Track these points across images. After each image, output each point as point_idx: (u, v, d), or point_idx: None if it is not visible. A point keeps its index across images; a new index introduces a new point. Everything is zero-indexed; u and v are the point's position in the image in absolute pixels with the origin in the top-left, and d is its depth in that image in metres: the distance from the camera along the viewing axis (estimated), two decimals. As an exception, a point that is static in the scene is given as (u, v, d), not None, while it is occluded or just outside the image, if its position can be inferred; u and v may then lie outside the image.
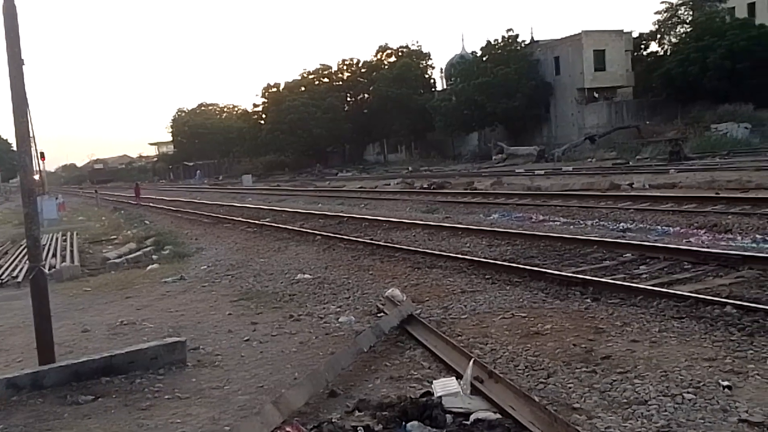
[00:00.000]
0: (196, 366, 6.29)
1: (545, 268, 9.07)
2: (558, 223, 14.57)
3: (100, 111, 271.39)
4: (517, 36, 57.68)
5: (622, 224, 13.36)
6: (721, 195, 15.64)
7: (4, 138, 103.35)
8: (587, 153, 44.41)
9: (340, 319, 7.61)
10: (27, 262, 11.46)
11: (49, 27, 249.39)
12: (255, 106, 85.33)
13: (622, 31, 54.17)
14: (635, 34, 55.90)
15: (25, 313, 8.57)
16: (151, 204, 35.91)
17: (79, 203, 47.85)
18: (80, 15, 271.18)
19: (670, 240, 11.07)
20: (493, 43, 58.14)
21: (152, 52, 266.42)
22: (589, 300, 7.41)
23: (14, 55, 5.84)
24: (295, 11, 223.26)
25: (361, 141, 78.19)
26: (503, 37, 57.73)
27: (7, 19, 5.78)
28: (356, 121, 73.51)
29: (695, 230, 11.92)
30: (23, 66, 5.90)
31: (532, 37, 59.42)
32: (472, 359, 5.24)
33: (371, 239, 13.95)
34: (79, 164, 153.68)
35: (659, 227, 12.61)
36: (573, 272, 8.68)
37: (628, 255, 9.69)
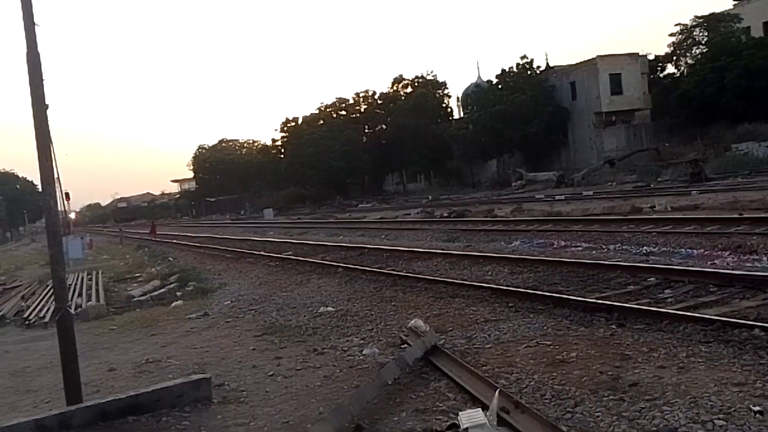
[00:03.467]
0: (222, 402, 6.29)
1: (569, 295, 8.98)
2: (580, 248, 14.44)
3: (123, 150, 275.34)
4: (531, 62, 57.93)
5: (645, 248, 13.22)
6: (744, 215, 15.45)
7: (30, 180, 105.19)
8: (607, 177, 44.15)
9: (363, 352, 7.58)
10: (53, 302, 11.60)
11: (72, 67, 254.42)
12: (274, 141, 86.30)
13: (637, 54, 54.19)
14: (651, 57, 55.83)
15: (52, 353, 8.64)
16: (174, 241, 36.19)
17: (103, 242, 48.40)
18: (101, 58, 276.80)
19: (694, 263, 10.94)
20: (508, 70, 58.40)
21: (173, 90, 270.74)
22: (614, 326, 7.33)
23: (38, 99, 5.97)
24: (311, 46, 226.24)
25: (379, 171, 78.47)
26: (518, 63, 58.00)
27: (31, 66, 5.93)
28: (374, 152, 73.85)
29: (719, 252, 11.76)
30: (47, 109, 6.03)
31: (547, 63, 59.71)
32: (498, 389, 5.19)
33: (393, 270, 13.91)
34: (103, 203, 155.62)
35: (683, 250, 12.46)
36: (597, 298, 8.59)
37: (652, 279, 9.58)
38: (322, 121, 78.32)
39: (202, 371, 7.28)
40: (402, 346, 7.52)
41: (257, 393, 6.53)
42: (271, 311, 11.22)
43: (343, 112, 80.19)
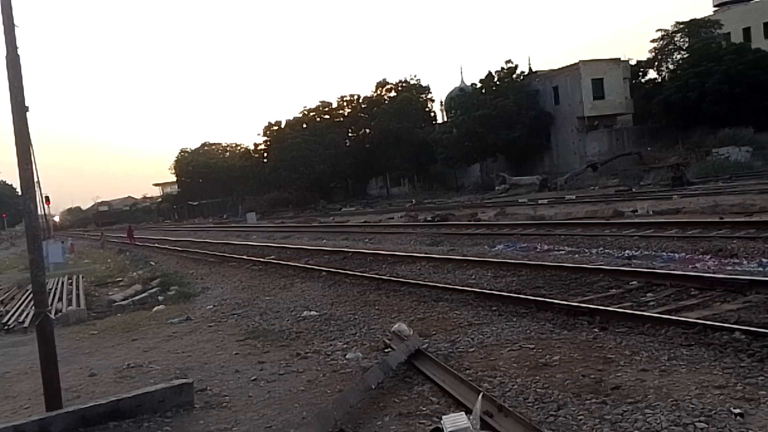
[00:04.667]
0: (204, 408, 6.25)
1: (552, 299, 9.03)
2: (563, 252, 14.51)
3: (105, 153, 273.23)
4: (516, 67, 58.15)
5: (627, 251, 13.31)
6: (725, 219, 15.59)
7: (9, 183, 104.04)
8: (589, 181, 44.44)
9: (347, 356, 7.57)
10: (33, 307, 11.48)
11: (52, 68, 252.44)
12: (257, 145, 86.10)
13: (619, 59, 54.59)
14: (633, 62, 56.28)
15: (32, 358, 8.55)
16: (156, 245, 35.95)
17: (84, 246, 47.97)
18: (82, 59, 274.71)
19: (675, 266, 11.02)
20: (492, 74, 58.62)
21: (155, 92, 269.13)
22: (596, 330, 7.37)
23: (18, 103, 5.92)
24: (295, 50, 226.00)
25: (363, 175, 78.48)
26: (502, 68, 58.21)
27: (10, 69, 5.87)
28: (358, 156, 73.87)
29: (701, 256, 11.87)
30: (27, 112, 5.97)
31: (530, 68, 59.93)
32: (481, 393, 5.20)
33: (376, 274, 13.91)
34: (84, 207, 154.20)
35: (664, 254, 12.56)
36: (580, 302, 8.64)
37: (634, 282, 9.65)
38: (305, 125, 78.19)
39: (184, 376, 7.24)
40: (386, 350, 7.52)
41: (240, 398, 6.50)
42: (254, 315, 11.18)
43: (327, 116, 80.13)
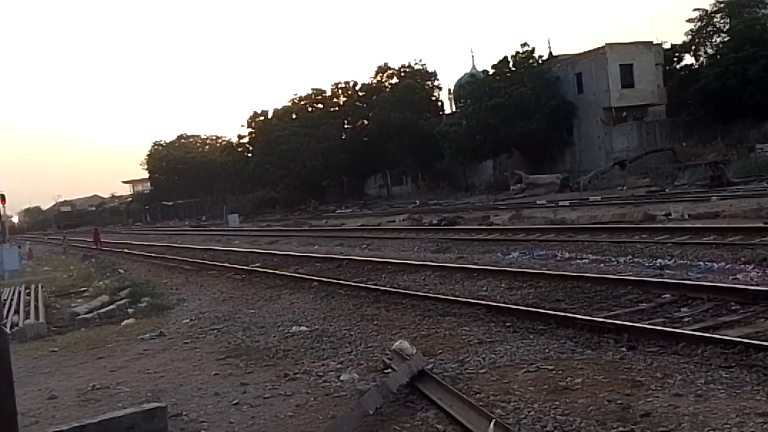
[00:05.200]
0: (179, 435, 6.26)
1: (573, 313, 9.03)
2: (586, 260, 14.52)
3: (67, 146, 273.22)
4: (533, 51, 58.26)
5: (659, 261, 13.31)
6: (770, 224, 15.61)
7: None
8: (617, 180, 44.45)
9: (341, 377, 7.57)
10: (-14, 320, 11.48)
11: (6, 44, 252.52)
12: (240, 137, 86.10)
13: (651, 42, 54.62)
14: (666, 46, 56.38)
15: (-17, 378, 8.53)
16: (126, 250, 35.96)
17: (44, 251, 47.99)
18: (39, 38, 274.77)
19: (714, 277, 11.02)
20: (506, 59, 58.66)
21: (123, 78, 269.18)
22: (624, 349, 7.36)
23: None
24: (284, 31, 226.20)
25: (360, 173, 78.53)
26: (518, 52, 58.29)
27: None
28: (355, 151, 73.92)
29: (742, 266, 11.85)
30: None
31: (551, 52, 60.00)
32: (493, 420, 5.20)
33: (375, 284, 13.92)
34: (44, 207, 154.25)
35: (701, 263, 12.55)
36: (605, 317, 8.63)
37: (667, 296, 9.65)
38: (295, 116, 78.36)
39: (157, 399, 7.23)
40: (385, 371, 7.52)
41: (220, 424, 6.50)
42: (236, 331, 11.17)
43: (320, 105, 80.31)
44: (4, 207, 32.93)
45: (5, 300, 17.90)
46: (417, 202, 53.85)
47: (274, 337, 10.32)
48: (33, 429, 6.54)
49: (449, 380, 6.87)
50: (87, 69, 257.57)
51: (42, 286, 21.47)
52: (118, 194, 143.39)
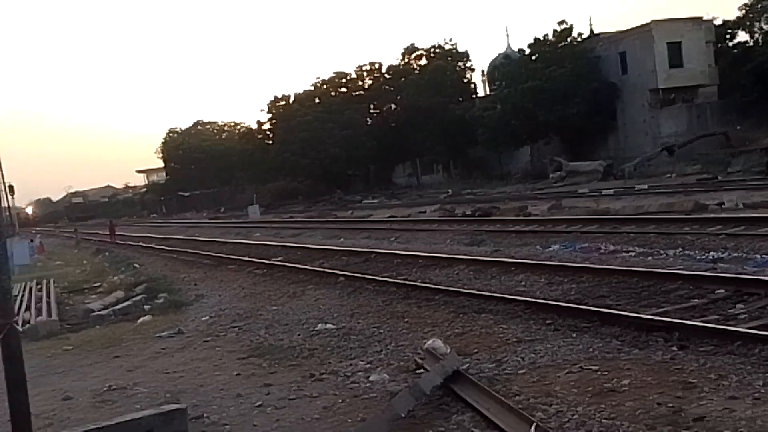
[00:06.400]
0: (200, 439, 6.32)
1: (619, 310, 8.97)
2: (632, 254, 14.41)
3: (78, 134, 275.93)
4: (572, 29, 57.75)
5: (711, 253, 13.17)
6: (832, 214, 15.39)
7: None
8: (664, 167, 44.03)
9: (370, 378, 7.60)
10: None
11: (13, 35, 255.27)
12: (260, 123, 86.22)
13: (701, 18, 53.97)
14: (718, 22, 55.67)
15: (-5, 378, 8.67)
16: (141, 243, 36.32)
17: (55, 244, 48.62)
18: (50, 23, 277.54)
19: (772, 271, 10.90)
20: (543, 38, 58.27)
21: (138, 63, 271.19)
22: (674, 348, 7.32)
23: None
24: (304, 10, 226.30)
25: (388, 161, 78.44)
26: (555, 30, 57.84)
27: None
28: (381, 138, 73.81)
29: (803, 259, 11.73)
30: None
31: (592, 30, 59.54)
32: (534, 424, 5.19)
33: (405, 279, 13.94)
34: (55, 198, 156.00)
35: (758, 256, 12.41)
36: (654, 314, 8.57)
37: (720, 291, 9.55)
38: (317, 100, 78.35)
39: (176, 401, 7.30)
40: (417, 372, 7.53)
41: (242, 427, 6.55)
42: (258, 329, 11.24)
43: (344, 89, 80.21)
44: (13, 198, 33.35)
45: (15, 296, 18.14)
46: (449, 191, 53.67)
47: (299, 335, 10.36)
48: (47, 431, 6.62)
49: (486, 381, 6.86)
50: (99, 54, 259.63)
51: (54, 282, 21.76)
52: (131, 184, 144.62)
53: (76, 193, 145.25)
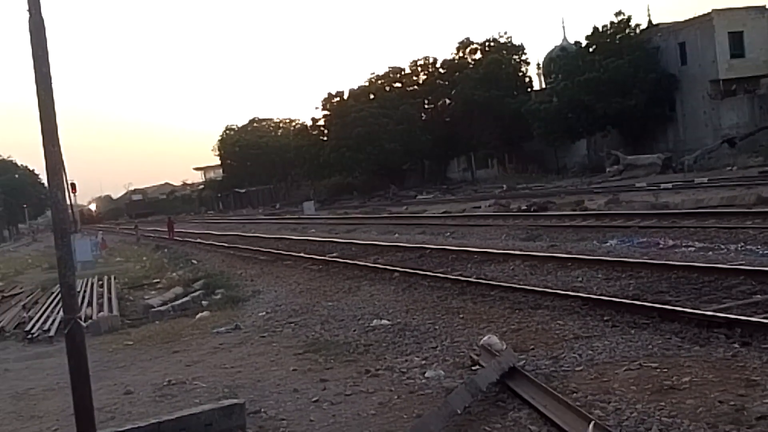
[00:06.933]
0: (258, 433, 6.40)
1: (679, 306, 8.85)
2: (692, 248, 14.22)
3: (138, 133, 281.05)
4: (629, 19, 56.95)
5: (774, 248, 12.94)
6: None
7: (31, 168, 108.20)
8: (726, 160, 43.24)
9: (426, 374, 7.60)
10: (60, 313, 11.94)
11: (73, 32, 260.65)
12: (315, 120, 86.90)
13: (764, 7, 52.75)
14: (781, 10, 54.33)
15: (59, 372, 8.93)
16: (198, 240, 36.85)
17: (116, 241, 49.59)
18: (109, 21, 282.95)
19: (838, 266, 10.65)
20: (601, 30, 57.54)
21: (195, 60, 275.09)
22: (736, 345, 7.19)
23: (43, 75, 6.11)
24: (359, 6, 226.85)
25: (443, 156, 78.34)
26: (612, 22, 57.09)
27: (35, 36, 6.07)
28: (436, 132, 73.74)
29: None
30: (53, 86, 6.16)
31: (650, 20, 58.55)
32: (592, 422, 5.15)
33: (460, 275, 13.92)
34: (115, 196, 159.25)
35: (823, 250, 12.15)
36: (715, 311, 8.43)
37: (784, 287, 9.37)
38: (372, 96, 78.59)
39: (234, 395, 7.41)
40: (473, 368, 7.52)
41: (299, 422, 6.61)
42: (314, 324, 11.34)
43: (398, 85, 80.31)
44: (75, 196, 34.08)
45: (78, 292, 18.56)
46: (504, 186, 53.44)
47: (354, 331, 10.42)
48: (109, 425, 6.77)
49: (543, 378, 6.83)
50: (158, 53, 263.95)
51: (115, 278, 22.23)
52: (189, 181, 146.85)
53: (135, 191, 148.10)
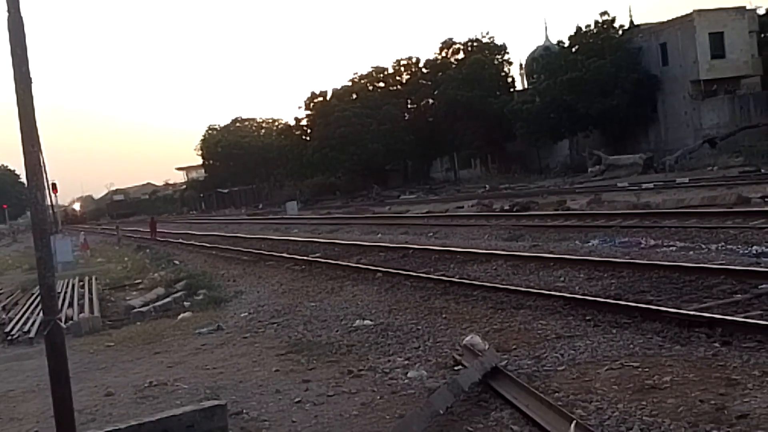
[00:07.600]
0: (240, 434, 6.38)
1: (660, 306, 8.88)
2: (674, 248, 14.28)
3: (119, 132, 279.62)
4: (613, 20, 57.31)
5: (755, 247, 13.00)
6: None
7: (11, 169, 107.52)
8: (706, 160, 43.54)
9: (408, 374, 7.61)
10: (40, 314, 11.86)
11: (53, 30, 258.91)
12: (298, 119, 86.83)
13: (744, 8, 53.20)
14: (761, 11, 54.84)
15: (39, 374, 8.87)
16: (180, 240, 36.70)
17: (97, 242, 49.25)
18: (89, 20, 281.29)
19: (818, 266, 10.73)
20: (583, 30, 57.81)
21: (177, 60, 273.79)
22: (717, 344, 7.23)
23: (22, 74, 6.07)
24: (341, 5, 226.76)
25: (426, 156, 78.48)
26: (596, 22, 57.42)
27: (13, 34, 6.02)
28: (419, 133, 73.88)
29: None
30: (32, 85, 6.12)
31: (632, 21, 58.91)
32: (574, 422, 5.16)
33: (443, 275, 13.92)
34: (96, 196, 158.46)
35: (803, 250, 12.24)
36: (696, 310, 8.48)
37: (764, 286, 9.42)
38: (355, 96, 78.60)
39: (216, 397, 7.39)
40: (456, 368, 7.53)
41: (282, 423, 6.60)
42: (296, 325, 11.32)
43: (381, 84, 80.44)
44: (56, 196, 33.85)
45: (59, 293, 18.44)
46: (487, 186, 53.61)
47: (337, 331, 10.41)
48: (90, 426, 6.73)
49: (525, 378, 6.84)
50: (141, 52, 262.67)
51: (96, 279, 22.09)
52: (171, 182, 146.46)
53: (117, 191, 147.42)
